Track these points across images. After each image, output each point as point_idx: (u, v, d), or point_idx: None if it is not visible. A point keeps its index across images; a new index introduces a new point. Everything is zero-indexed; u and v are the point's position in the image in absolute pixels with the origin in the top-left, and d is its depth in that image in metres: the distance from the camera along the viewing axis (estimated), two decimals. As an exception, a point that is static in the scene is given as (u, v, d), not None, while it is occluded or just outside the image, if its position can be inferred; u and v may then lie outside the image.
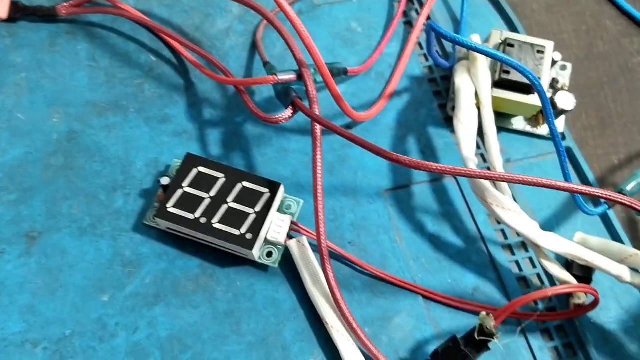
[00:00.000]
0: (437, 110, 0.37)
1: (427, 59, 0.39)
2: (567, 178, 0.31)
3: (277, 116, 0.33)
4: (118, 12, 0.38)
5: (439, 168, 0.28)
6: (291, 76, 0.33)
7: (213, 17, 0.39)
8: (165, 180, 0.32)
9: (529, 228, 0.30)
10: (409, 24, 0.40)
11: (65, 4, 0.38)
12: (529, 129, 0.36)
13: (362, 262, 0.32)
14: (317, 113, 0.32)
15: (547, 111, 0.31)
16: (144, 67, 0.37)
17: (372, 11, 0.40)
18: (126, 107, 0.36)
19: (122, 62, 0.37)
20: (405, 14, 0.40)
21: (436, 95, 0.38)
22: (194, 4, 0.40)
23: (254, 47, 0.38)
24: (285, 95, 0.33)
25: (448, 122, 0.37)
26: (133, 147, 0.35)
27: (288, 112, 0.33)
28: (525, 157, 0.36)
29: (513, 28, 0.40)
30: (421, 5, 0.40)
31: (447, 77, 0.38)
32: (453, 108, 0.36)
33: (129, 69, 0.37)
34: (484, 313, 0.28)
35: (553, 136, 0.31)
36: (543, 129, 0.36)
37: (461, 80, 0.34)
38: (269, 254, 0.32)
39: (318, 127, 0.31)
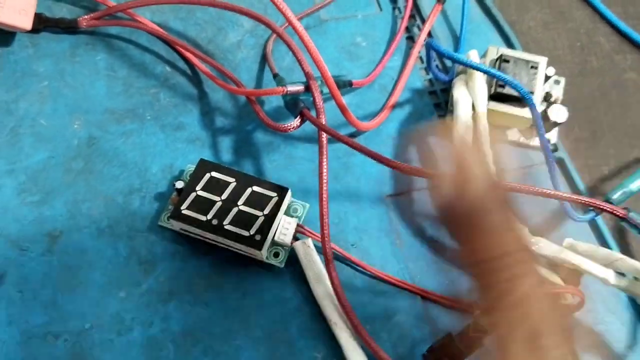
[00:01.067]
0: (436, 121, 0.39)
1: (427, 73, 0.41)
2: (556, 186, 0.33)
3: (286, 125, 0.35)
4: (136, 25, 0.40)
5: (435, 175, 0.30)
6: (299, 87, 0.35)
7: (225, 30, 0.41)
8: (179, 184, 0.34)
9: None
10: (411, 39, 0.42)
11: (85, 17, 0.40)
12: (523, 140, 0.38)
13: (363, 263, 0.34)
14: (324, 122, 0.34)
15: (537, 123, 0.33)
16: (160, 77, 0.39)
17: (376, 27, 0.42)
18: (143, 115, 0.38)
19: (139, 72, 0.40)
20: (407, 29, 0.42)
21: (436, 107, 0.40)
22: (207, 17, 0.42)
23: (264, 59, 0.40)
24: (293, 105, 0.35)
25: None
26: (149, 152, 0.37)
27: (296, 121, 0.35)
28: (520, 167, 0.38)
29: (510, 44, 0.42)
30: (423, 21, 0.42)
31: (447, 90, 0.40)
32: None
33: (145, 79, 0.39)
34: (478, 311, 0.30)
35: (542, 146, 0.33)
36: (536, 141, 0.38)
37: (459, 93, 0.36)
38: (276, 255, 0.34)
39: (324, 136, 0.33)
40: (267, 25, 0.36)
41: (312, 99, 0.35)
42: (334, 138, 0.33)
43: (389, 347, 0.33)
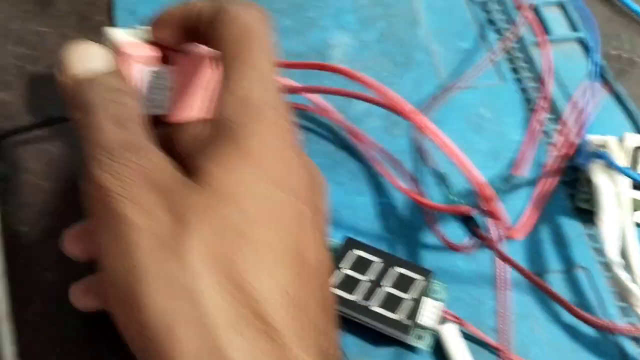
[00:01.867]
0: (566, 200, 0.40)
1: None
2: None
3: (461, 245, 0.35)
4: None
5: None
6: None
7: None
8: (324, 261, 0.34)
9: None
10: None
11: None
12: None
13: (505, 348, 0.34)
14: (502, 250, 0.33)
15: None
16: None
17: (499, 97, 0.43)
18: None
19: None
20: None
21: (564, 184, 0.40)
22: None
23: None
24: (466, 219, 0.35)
25: (576, 212, 0.39)
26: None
27: (470, 242, 0.35)
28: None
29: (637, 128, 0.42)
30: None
31: (573, 167, 0.40)
32: (585, 200, 0.38)
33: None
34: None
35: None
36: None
37: (600, 180, 0.36)
38: (420, 337, 0.34)
39: (506, 270, 0.33)
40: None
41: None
42: (518, 271, 0.33)
43: None
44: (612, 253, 0.34)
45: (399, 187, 0.38)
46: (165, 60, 0.30)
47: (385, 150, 0.40)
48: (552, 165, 0.40)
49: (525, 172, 0.40)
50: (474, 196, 0.34)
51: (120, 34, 0.30)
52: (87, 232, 0.29)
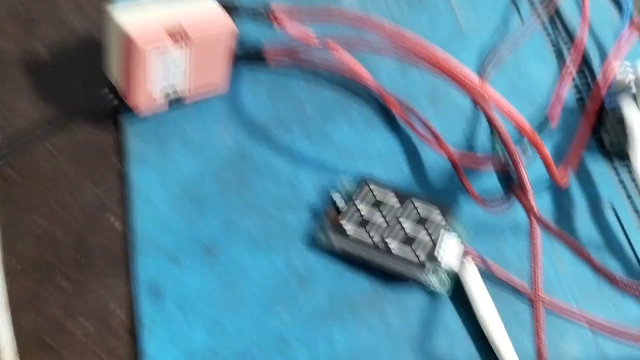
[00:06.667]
0: (594, 145, 0.38)
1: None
2: None
3: (493, 204, 0.33)
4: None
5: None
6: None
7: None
8: (339, 200, 0.33)
9: None
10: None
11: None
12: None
13: (527, 288, 0.33)
14: (535, 207, 0.31)
15: None
16: (304, 88, 0.38)
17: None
18: (289, 126, 0.37)
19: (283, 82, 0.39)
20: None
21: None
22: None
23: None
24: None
25: (602, 150, 0.37)
26: (300, 166, 0.36)
27: (505, 202, 0.33)
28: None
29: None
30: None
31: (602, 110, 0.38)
32: (611, 144, 0.37)
33: (289, 89, 0.38)
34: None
35: None
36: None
37: (633, 115, 0.34)
38: (441, 279, 0.33)
39: (537, 227, 0.30)
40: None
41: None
42: (548, 231, 0.31)
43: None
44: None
45: (424, 138, 0.37)
46: (175, 39, 0.29)
47: (400, 96, 0.38)
48: (587, 108, 0.38)
49: (558, 118, 0.38)
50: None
51: (126, 16, 0.29)
52: None
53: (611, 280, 0.30)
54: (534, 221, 0.30)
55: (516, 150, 0.32)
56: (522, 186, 0.31)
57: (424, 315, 0.32)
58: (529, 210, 0.31)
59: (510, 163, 0.32)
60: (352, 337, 0.31)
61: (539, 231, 0.30)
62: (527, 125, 0.31)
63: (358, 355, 0.31)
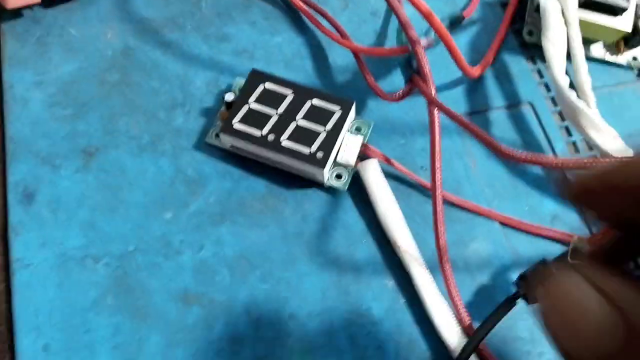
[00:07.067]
0: (510, 35, 0.35)
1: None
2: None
3: (393, 94, 0.30)
4: None
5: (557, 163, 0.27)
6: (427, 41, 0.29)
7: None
8: (229, 97, 0.31)
9: (625, 153, 0.28)
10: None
11: None
12: (608, 56, 0.34)
13: (435, 186, 0.31)
14: (433, 93, 0.28)
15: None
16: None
17: None
18: (183, 25, 0.34)
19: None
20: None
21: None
22: None
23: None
24: (405, 67, 0.30)
25: (523, 48, 0.35)
26: (191, 65, 0.33)
27: (404, 90, 0.30)
28: (604, 86, 0.34)
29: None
30: None
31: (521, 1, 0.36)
32: (530, 32, 0.34)
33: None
34: (577, 236, 0.26)
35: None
36: (623, 57, 0.34)
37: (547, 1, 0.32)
38: (338, 176, 0.30)
39: (436, 111, 0.28)
40: None
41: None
42: (447, 115, 0.28)
43: (466, 276, 0.29)
44: (558, 71, 0.30)
45: (324, 30, 0.34)
46: None
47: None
48: None
49: (474, 10, 0.36)
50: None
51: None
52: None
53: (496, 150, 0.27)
54: (433, 107, 0.28)
55: (415, 34, 0.29)
56: (420, 71, 0.29)
57: (322, 216, 0.30)
58: (427, 96, 0.28)
59: (411, 50, 0.29)
60: (242, 238, 0.29)
61: (437, 118, 0.28)
62: (425, 6, 0.28)
63: (247, 257, 0.29)
